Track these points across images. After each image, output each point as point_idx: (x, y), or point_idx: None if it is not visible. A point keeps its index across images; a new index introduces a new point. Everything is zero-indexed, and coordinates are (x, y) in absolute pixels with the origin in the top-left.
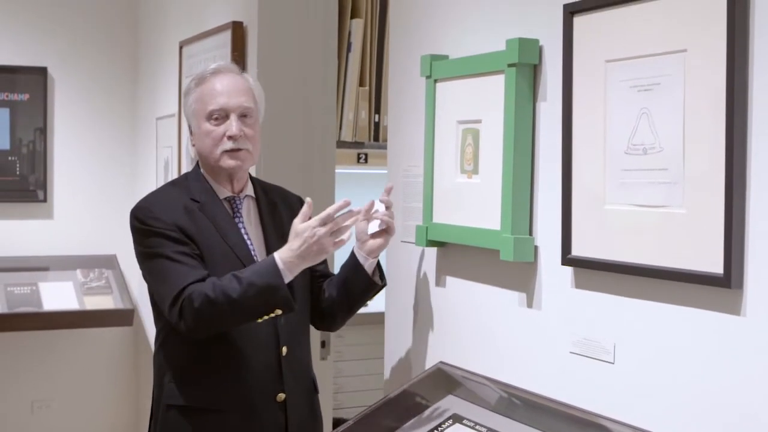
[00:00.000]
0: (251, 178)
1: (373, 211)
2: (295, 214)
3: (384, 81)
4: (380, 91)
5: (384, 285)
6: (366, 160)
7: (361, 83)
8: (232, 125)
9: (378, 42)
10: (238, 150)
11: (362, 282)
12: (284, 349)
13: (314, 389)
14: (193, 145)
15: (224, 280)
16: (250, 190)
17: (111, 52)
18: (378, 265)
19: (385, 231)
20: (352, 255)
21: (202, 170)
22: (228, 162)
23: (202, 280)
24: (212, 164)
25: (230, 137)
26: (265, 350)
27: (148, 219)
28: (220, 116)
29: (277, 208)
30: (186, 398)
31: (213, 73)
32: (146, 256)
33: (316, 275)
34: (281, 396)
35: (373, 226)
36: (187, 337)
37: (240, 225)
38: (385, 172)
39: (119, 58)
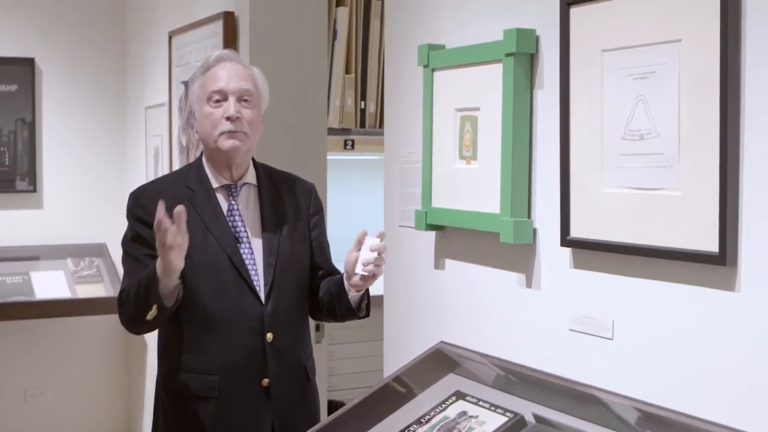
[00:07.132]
0: (257, 164)
1: (364, 245)
2: (300, 202)
3: (369, 68)
4: (366, 78)
5: (364, 317)
6: (353, 147)
7: (347, 70)
8: (230, 107)
9: (363, 30)
10: (236, 132)
11: (345, 306)
12: (269, 336)
13: (306, 377)
14: (196, 132)
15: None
16: (251, 177)
17: (98, 42)
18: (366, 294)
19: (371, 276)
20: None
21: (204, 158)
22: (225, 143)
23: None
24: (211, 147)
25: (227, 118)
26: (250, 336)
27: (134, 206)
28: (220, 98)
29: (281, 196)
30: (178, 385)
31: (216, 60)
32: (123, 241)
33: (317, 271)
34: (266, 381)
35: (360, 269)
36: (173, 325)
37: (235, 213)
38: (372, 157)
39: (107, 48)
